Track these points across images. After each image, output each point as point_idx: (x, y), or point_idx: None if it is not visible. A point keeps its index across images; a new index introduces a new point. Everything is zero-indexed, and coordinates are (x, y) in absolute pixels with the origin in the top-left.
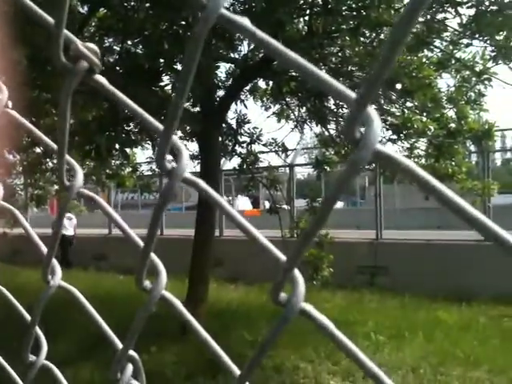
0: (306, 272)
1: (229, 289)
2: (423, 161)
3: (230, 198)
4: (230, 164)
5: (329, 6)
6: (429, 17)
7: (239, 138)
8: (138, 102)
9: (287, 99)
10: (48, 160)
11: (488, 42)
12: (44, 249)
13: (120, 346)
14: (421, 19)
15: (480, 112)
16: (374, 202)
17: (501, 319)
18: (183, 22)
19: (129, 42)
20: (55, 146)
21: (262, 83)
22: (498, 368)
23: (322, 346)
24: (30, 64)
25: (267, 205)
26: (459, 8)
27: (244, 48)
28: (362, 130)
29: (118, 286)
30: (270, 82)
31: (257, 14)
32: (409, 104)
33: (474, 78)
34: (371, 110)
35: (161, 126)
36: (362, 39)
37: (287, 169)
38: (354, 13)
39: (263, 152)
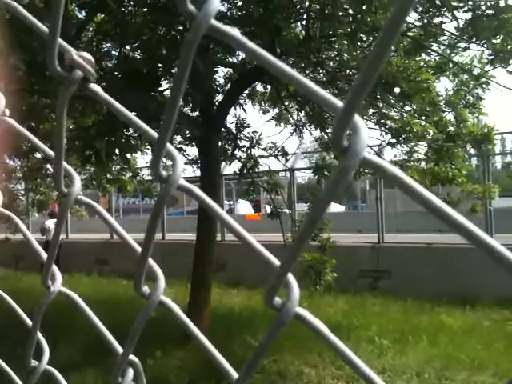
0: (309, 277)
1: (231, 293)
2: (423, 164)
3: (231, 202)
4: (231, 168)
5: (325, 10)
6: (426, 21)
7: (239, 142)
8: (136, 106)
9: (286, 103)
10: (49, 165)
11: (485, 45)
12: (44, 255)
13: (120, 350)
14: (418, 23)
15: (479, 115)
16: (375, 206)
17: (505, 323)
18: (181, 27)
19: (127, 47)
20: (52, 153)
21: (260, 87)
22: (502, 372)
23: (326, 351)
24: (28, 69)
25: (268, 209)
26: (456, 12)
27: (242, 52)
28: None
29: (120, 291)
30: (269, 86)
31: (254, 19)
32: (407, 108)
33: (472, 82)
34: (357, 118)
35: (155, 134)
36: (359, 43)
37: (287, 173)
38: (351, 18)
39: (263, 156)
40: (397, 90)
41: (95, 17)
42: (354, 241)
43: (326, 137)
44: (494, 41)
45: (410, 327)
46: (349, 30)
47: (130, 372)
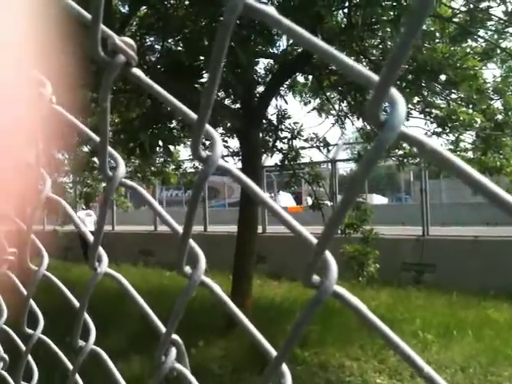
0: (351, 268)
1: (272, 285)
2: (470, 154)
3: (273, 194)
4: (272, 160)
5: None
6: (472, 6)
7: (280, 133)
8: (179, 98)
9: (327, 93)
10: (95, 158)
11: None
12: (91, 237)
13: (164, 330)
14: (463, 8)
15: None
16: (419, 198)
17: None
18: (221, 18)
19: (169, 40)
20: (98, 139)
21: (301, 78)
22: None
23: (368, 344)
24: (76, 63)
25: (310, 201)
26: None
27: (283, 43)
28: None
29: (165, 281)
30: (310, 77)
31: (295, 7)
32: (453, 96)
33: None
34: (395, 91)
35: (195, 116)
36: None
37: (329, 164)
38: (395, 3)
39: (304, 148)
40: (442, 77)
41: (138, 11)
42: (397, 233)
43: (368, 127)
44: None
45: (455, 321)
46: (392, 16)
47: (173, 351)
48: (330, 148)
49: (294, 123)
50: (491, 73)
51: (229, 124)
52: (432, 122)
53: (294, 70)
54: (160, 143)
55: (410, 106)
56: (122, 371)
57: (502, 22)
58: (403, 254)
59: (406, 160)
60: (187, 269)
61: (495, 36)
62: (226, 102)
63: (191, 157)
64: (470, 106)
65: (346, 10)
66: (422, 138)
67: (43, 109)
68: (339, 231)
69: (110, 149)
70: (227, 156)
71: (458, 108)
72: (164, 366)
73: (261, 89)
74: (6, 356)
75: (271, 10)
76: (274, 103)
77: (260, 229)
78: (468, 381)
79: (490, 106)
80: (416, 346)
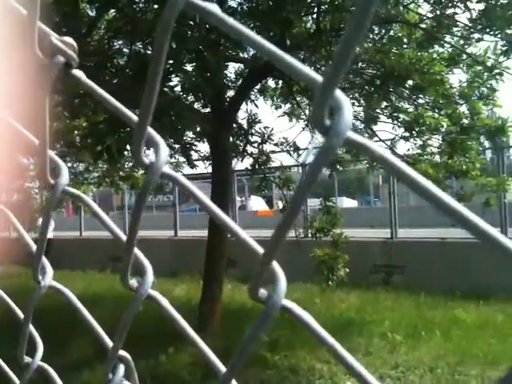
0: (321, 272)
1: (243, 289)
2: (437, 158)
3: (244, 198)
4: (242, 164)
5: (336, 2)
6: (438, 12)
7: (250, 137)
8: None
9: (298, 98)
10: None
11: (499, 36)
12: (33, 248)
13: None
14: (430, 15)
15: (493, 107)
16: (388, 201)
17: None
18: (191, 22)
19: (138, 44)
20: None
21: (271, 83)
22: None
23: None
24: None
25: (280, 204)
26: (468, 2)
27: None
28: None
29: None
30: (280, 82)
31: (264, 12)
32: (421, 101)
33: (485, 73)
34: (340, 94)
35: (135, 118)
36: (370, 35)
37: (300, 168)
38: None
39: (275, 152)
40: (410, 82)
41: (106, 14)
42: (366, 236)
43: None
44: (508, 31)
45: (423, 322)
46: None
47: (121, 368)
48: (301, 152)
49: (265, 127)
50: (457, 78)
51: (199, 128)
52: (399, 127)
53: (264, 75)
54: (128, 147)
55: (378, 110)
56: None
57: (467, 28)
58: (372, 257)
59: (375, 164)
60: (133, 282)
61: (461, 42)
62: (196, 106)
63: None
64: (437, 111)
65: (314, 16)
66: (369, 143)
67: None
68: (310, 235)
69: (51, 153)
70: (197, 160)
71: (424, 112)
72: (111, 383)
73: (231, 93)
74: None
75: (214, 7)
76: (245, 107)
77: None
78: (436, 381)
79: (455, 111)
80: (385, 348)
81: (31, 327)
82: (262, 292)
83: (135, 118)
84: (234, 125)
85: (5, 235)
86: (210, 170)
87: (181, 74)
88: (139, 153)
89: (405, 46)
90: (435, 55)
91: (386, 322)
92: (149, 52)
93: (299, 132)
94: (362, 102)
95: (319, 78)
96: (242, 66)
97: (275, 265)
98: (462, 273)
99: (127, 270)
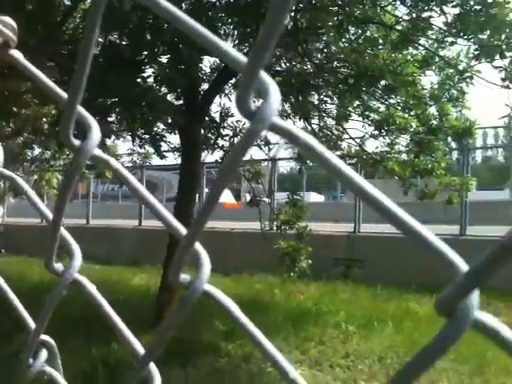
0: (284, 264)
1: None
2: (404, 156)
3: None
4: (212, 157)
5: (313, 1)
6: (414, 15)
7: (222, 131)
8: (119, 92)
9: None
10: (28, 150)
11: (472, 40)
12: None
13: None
14: (406, 17)
15: (462, 110)
16: (353, 196)
17: None
18: None
19: (113, 34)
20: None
21: None
22: (461, 357)
23: (291, 336)
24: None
25: (248, 197)
26: (444, 7)
27: (228, 41)
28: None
29: (94, 276)
30: None
31: (241, 7)
32: (392, 101)
33: (456, 76)
34: (266, 77)
35: (65, 96)
36: (346, 35)
37: (269, 162)
38: (339, 9)
39: None
40: (382, 82)
41: (82, 3)
42: (330, 230)
43: (309, 128)
44: (481, 36)
45: (377, 314)
46: (336, 21)
47: (43, 353)
48: (271, 146)
49: (237, 121)
50: (429, 80)
51: (170, 119)
52: (370, 125)
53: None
54: None
55: (350, 108)
56: None
57: (441, 31)
58: (335, 250)
59: (343, 159)
60: (58, 265)
61: (435, 45)
62: (169, 97)
63: (128, 151)
64: (407, 111)
65: (292, 14)
66: (295, 130)
67: None
68: (275, 228)
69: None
70: (167, 151)
71: (395, 112)
72: (31, 369)
73: (205, 86)
74: None
75: None
76: (218, 101)
77: None
78: (384, 370)
79: (425, 112)
80: (338, 338)
81: None
82: (184, 277)
83: (65, 95)
84: (207, 118)
85: None
86: (179, 161)
87: (155, 66)
88: (67, 134)
89: (380, 47)
90: (409, 57)
91: (342, 313)
92: (123, 42)
93: None
94: (334, 99)
95: (244, 59)
96: (217, 59)
97: (201, 250)
98: (420, 268)
99: (52, 254)
